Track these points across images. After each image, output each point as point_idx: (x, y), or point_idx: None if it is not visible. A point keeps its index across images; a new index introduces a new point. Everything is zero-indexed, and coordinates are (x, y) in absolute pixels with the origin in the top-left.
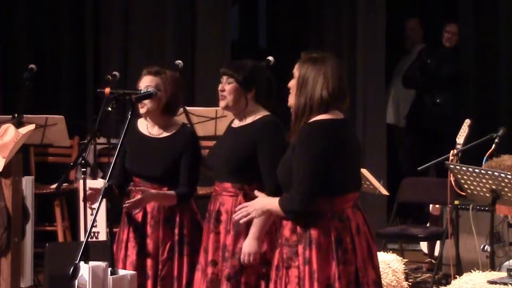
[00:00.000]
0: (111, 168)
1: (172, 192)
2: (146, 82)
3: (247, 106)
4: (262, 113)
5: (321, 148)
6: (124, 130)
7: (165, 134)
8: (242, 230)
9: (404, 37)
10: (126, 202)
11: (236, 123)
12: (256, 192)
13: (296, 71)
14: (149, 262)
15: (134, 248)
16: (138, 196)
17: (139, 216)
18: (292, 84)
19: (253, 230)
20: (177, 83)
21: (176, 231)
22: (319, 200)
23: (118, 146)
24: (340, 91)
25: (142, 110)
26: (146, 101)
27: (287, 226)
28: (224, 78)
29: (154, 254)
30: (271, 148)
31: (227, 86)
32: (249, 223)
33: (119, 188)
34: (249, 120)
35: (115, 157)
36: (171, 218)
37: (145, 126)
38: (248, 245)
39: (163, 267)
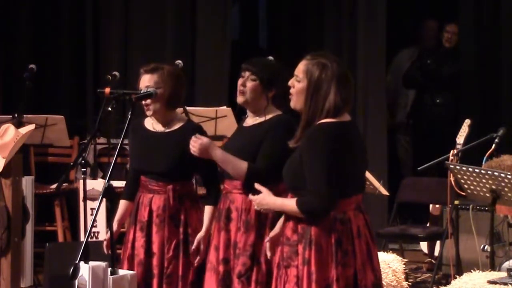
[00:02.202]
0: (111, 168)
1: (208, 210)
2: (145, 82)
3: (265, 105)
4: (275, 112)
5: (329, 149)
6: (124, 131)
7: (171, 129)
8: (252, 226)
9: (426, 38)
10: (196, 262)
11: (249, 122)
12: (257, 186)
13: (301, 73)
14: (154, 260)
15: (142, 247)
16: (197, 258)
17: (145, 215)
18: (298, 86)
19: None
20: (176, 77)
21: (181, 229)
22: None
23: (118, 147)
24: (350, 96)
25: (148, 113)
26: (149, 102)
27: (288, 225)
28: (247, 74)
29: (159, 252)
30: (275, 142)
31: (248, 83)
32: (259, 220)
33: (131, 196)
34: (261, 119)
35: (115, 157)
36: (176, 217)
37: (151, 123)
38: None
39: (169, 265)
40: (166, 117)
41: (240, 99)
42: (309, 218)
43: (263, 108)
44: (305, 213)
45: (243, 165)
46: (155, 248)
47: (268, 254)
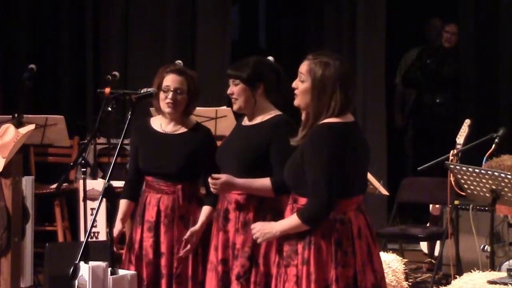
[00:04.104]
0: (111, 168)
1: (206, 210)
2: (174, 82)
3: (257, 103)
4: (273, 112)
5: (332, 149)
6: (124, 131)
7: (181, 131)
8: (250, 228)
9: (431, 36)
10: (182, 253)
11: (247, 122)
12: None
13: (304, 73)
14: (163, 261)
15: (151, 248)
16: (186, 249)
17: (153, 215)
18: (302, 86)
19: (241, 180)
20: (197, 83)
21: None
22: None
23: (118, 147)
24: (354, 94)
25: (168, 110)
26: (178, 103)
27: None
28: (231, 81)
29: (168, 252)
30: (283, 148)
31: (234, 89)
32: (257, 221)
33: (131, 196)
34: (259, 119)
35: (115, 157)
36: (185, 217)
37: (159, 124)
38: (229, 179)
39: (178, 265)
40: (179, 119)
41: (234, 107)
42: (313, 224)
43: (257, 107)
44: (308, 222)
45: (266, 182)
46: (163, 248)
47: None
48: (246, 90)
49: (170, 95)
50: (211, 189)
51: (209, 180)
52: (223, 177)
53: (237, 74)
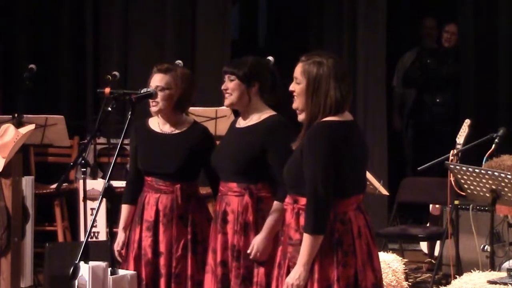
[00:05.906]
0: (111, 168)
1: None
2: (156, 81)
3: (251, 102)
4: (268, 112)
5: (329, 150)
6: (124, 131)
7: (178, 130)
8: (251, 229)
9: (425, 36)
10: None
11: (241, 123)
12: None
13: (299, 75)
14: (162, 260)
15: (150, 247)
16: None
17: (151, 215)
18: (299, 88)
19: (265, 228)
20: (188, 80)
21: (189, 229)
22: None
23: (118, 147)
24: (349, 91)
25: (154, 109)
26: (159, 99)
27: (290, 225)
28: (226, 77)
29: (167, 252)
30: (283, 154)
31: (229, 84)
32: (257, 222)
33: (133, 200)
34: (254, 119)
35: (115, 157)
36: (184, 216)
37: (157, 124)
38: (260, 242)
39: (177, 264)
40: (172, 118)
41: (226, 102)
42: (321, 229)
43: (251, 106)
44: (316, 230)
45: (279, 206)
46: (162, 247)
47: None
48: (241, 87)
49: None
50: (254, 257)
51: (251, 256)
52: (255, 244)
53: (234, 71)
